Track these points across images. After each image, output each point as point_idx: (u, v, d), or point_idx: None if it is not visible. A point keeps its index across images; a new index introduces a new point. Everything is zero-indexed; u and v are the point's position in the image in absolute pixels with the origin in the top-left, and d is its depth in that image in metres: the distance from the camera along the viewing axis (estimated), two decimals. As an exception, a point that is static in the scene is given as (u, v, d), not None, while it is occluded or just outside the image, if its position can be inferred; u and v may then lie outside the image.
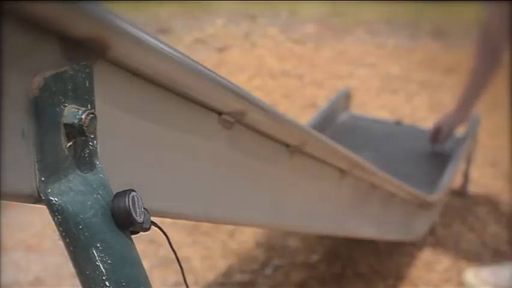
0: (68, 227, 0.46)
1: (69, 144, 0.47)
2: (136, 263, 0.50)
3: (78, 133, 0.47)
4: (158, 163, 0.62)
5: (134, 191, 0.50)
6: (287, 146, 0.88)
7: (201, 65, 0.59)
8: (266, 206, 0.90)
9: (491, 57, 1.94)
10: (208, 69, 0.61)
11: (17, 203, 0.47)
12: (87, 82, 0.48)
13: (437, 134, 2.14)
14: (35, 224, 2.06)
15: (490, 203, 2.31)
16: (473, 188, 2.37)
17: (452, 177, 2.05)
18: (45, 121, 0.45)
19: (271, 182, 0.89)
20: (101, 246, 0.47)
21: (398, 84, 3.37)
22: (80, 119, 0.46)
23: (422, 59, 3.73)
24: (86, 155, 0.49)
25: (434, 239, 2.08)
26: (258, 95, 0.75)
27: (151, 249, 1.90)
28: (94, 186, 0.49)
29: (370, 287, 1.86)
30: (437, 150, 2.17)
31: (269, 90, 3.24)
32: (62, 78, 0.46)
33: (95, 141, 0.50)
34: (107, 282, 0.47)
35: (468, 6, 4.30)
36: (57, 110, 0.46)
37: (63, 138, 0.47)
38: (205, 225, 2.05)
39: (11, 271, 1.86)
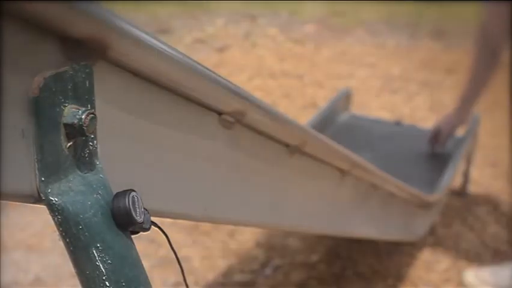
0: (68, 227, 0.46)
1: (69, 144, 0.47)
2: (136, 263, 0.50)
3: (78, 133, 0.47)
4: (158, 163, 0.62)
5: (134, 191, 0.50)
6: (287, 146, 0.88)
7: (201, 65, 0.59)
8: (266, 206, 0.90)
9: (489, 58, 1.93)
10: (208, 69, 0.61)
11: (17, 203, 0.47)
12: (87, 82, 0.48)
13: (437, 136, 2.14)
14: (35, 224, 2.06)
15: (490, 203, 2.31)
16: (473, 188, 2.37)
17: (452, 177, 2.05)
18: (45, 121, 0.45)
19: (271, 182, 0.89)
20: (101, 246, 0.47)
21: (398, 84, 3.37)
22: (80, 119, 0.46)
23: (422, 59, 3.73)
24: (86, 155, 0.49)
25: (434, 239, 2.08)
26: (258, 95, 0.75)
27: (151, 249, 1.90)
28: (94, 186, 0.49)
29: (370, 287, 1.86)
30: (436, 151, 2.17)
31: (269, 90, 3.24)
32: (62, 78, 0.46)
33: (95, 141, 0.50)
34: (107, 282, 0.47)
35: (468, 6, 4.30)
36: (57, 110, 0.46)
37: (63, 138, 0.47)
38: (205, 225, 2.05)
39: (11, 271, 1.86)
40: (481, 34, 1.95)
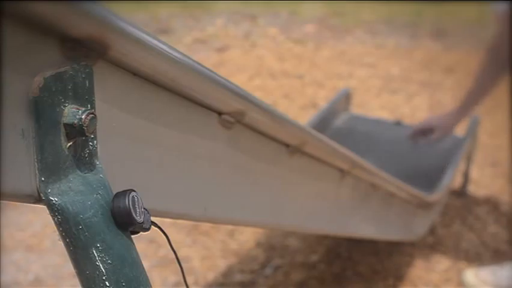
0: (68, 227, 0.46)
1: (69, 144, 0.47)
2: (136, 263, 0.50)
3: (78, 133, 0.47)
4: (158, 163, 0.62)
5: (134, 191, 0.50)
6: (287, 146, 0.88)
7: (201, 65, 0.59)
8: (266, 206, 0.90)
9: (499, 67, 1.88)
10: (208, 69, 0.61)
11: (17, 203, 0.47)
12: (87, 82, 0.48)
13: (427, 131, 2.09)
14: (35, 224, 2.06)
15: (490, 203, 2.31)
16: (473, 188, 2.38)
17: (452, 177, 2.05)
18: (45, 121, 0.45)
19: (271, 182, 0.89)
20: (101, 246, 0.47)
21: (398, 84, 3.37)
22: (80, 119, 0.46)
23: (422, 59, 3.73)
24: (86, 155, 0.49)
25: (434, 239, 2.08)
26: (258, 95, 0.75)
27: (151, 249, 1.90)
28: (94, 186, 0.49)
29: (370, 287, 1.86)
30: (417, 143, 2.13)
31: (269, 90, 3.24)
32: (62, 78, 0.46)
33: (95, 141, 0.50)
34: (107, 282, 0.47)
35: (468, 6, 4.30)
36: (57, 110, 0.46)
37: (63, 138, 0.47)
38: (205, 225, 2.05)
39: (11, 271, 1.86)
40: (494, 44, 1.87)
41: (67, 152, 0.47)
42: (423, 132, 2.08)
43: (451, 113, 2.05)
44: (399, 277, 1.90)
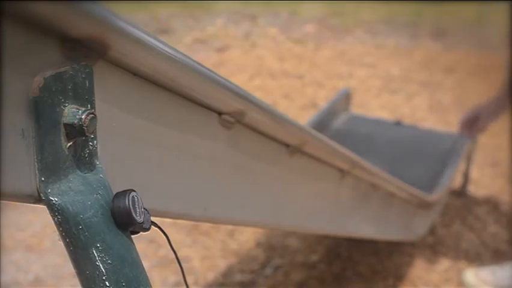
0: (68, 227, 0.46)
1: (69, 144, 0.47)
2: (136, 263, 0.50)
3: (78, 133, 0.47)
4: (158, 163, 0.62)
5: (134, 191, 0.50)
6: (287, 146, 0.88)
7: (201, 65, 0.59)
8: (266, 206, 0.90)
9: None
10: (208, 69, 0.61)
11: (17, 203, 0.47)
12: (87, 82, 0.48)
13: (473, 123, 2.02)
14: (35, 224, 2.06)
15: (490, 203, 2.31)
16: (473, 188, 2.37)
17: (452, 177, 2.05)
18: (45, 121, 0.45)
19: (271, 182, 0.89)
20: (101, 246, 0.47)
21: (398, 84, 3.37)
22: (80, 119, 0.46)
23: (422, 59, 3.73)
24: (86, 155, 0.49)
25: (434, 239, 2.08)
26: (258, 95, 0.75)
27: (151, 249, 1.90)
28: (94, 186, 0.49)
29: (370, 287, 1.86)
30: (461, 143, 2.08)
31: (269, 90, 3.24)
32: (62, 78, 0.46)
33: (95, 141, 0.50)
34: (107, 282, 0.47)
35: (468, 6, 4.30)
36: (57, 110, 0.46)
37: (63, 138, 0.47)
38: (205, 225, 2.05)
39: (11, 271, 1.86)
40: None
41: (66, 152, 0.47)
42: (470, 123, 2.02)
43: (493, 101, 1.96)
44: (399, 277, 1.90)
